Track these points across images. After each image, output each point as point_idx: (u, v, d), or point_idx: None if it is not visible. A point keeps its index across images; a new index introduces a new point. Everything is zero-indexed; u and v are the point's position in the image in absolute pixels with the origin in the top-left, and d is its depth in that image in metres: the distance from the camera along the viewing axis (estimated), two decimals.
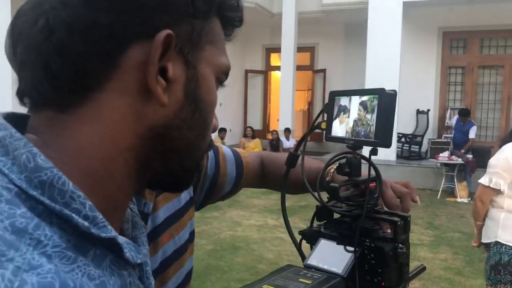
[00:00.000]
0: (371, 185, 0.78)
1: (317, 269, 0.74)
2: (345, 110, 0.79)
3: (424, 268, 0.82)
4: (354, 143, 0.76)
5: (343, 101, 0.80)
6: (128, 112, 0.45)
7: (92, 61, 0.43)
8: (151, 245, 0.80)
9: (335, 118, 0.82)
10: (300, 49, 11.52)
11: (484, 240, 2.76)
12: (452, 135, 9.48)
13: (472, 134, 8.72)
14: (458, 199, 7.95)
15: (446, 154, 8.54)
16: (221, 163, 1.03)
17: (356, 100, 0.77)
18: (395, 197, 0.84)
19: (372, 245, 0.75)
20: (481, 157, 8.64)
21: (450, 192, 8.37)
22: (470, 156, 8.55)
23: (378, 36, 9.14)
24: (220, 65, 0.53)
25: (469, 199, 8.02)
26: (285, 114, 11.04)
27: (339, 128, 0.80)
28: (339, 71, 12.21)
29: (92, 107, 0.44)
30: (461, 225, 6.41)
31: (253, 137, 10.77)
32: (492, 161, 2.68)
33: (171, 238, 0.85)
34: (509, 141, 2.70)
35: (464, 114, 8.95)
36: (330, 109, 0.82)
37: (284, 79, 11.02)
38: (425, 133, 10.61)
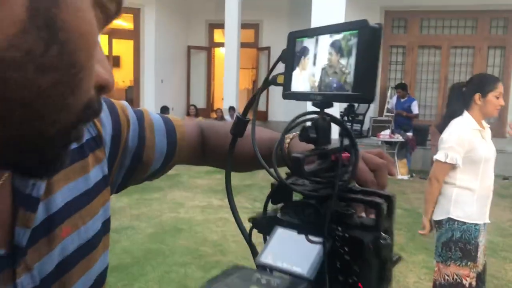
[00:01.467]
0: (343, 155, 0.59)
1: (274, 270, 0.54)
2: (309, 54, 0.59)
3: (400, 258, 0.65)
4: (323, 99, 0.56)
5: (307, 43, 0.60)
6: None
7: None
8: (44, 239, 0.59)
9: (296, 68, 0.61)
10: (244, 26, 11.24)
11: (435, 218, 2.71)
12: (393, 114, 9.65)
13: (415, 109, 8.92)
14: (399, 176, 8.12)
15: (387, 132, 8.67)
16: (147, 133, 0.81)
17: (325, 40, 0.57)
18: (368, 170, 0.66)
19: (346, 235, 0.56)
20: (420, 135, 8.89)
21: None
22: (410, 134, 8.75)
23: (322, 14, 9.04)
24: None
25: (409, 176, 8.23)
26: (230, 93, 10.79)
27: (302, 81, 0.60)
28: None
29: None
30: (402, 201, 6.52)
31: (197, 116, 10.46)
32: (444, 136, 2.62)
33: (75, 229, 0.63)
34: (443, 128, 2.68)
35: (401, 87, 9.09)
36: (290, 57, 0.62)
37: (228, 56, 10.73)
38: (366, 111, 10.76)
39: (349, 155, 0.61)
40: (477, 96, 2.55)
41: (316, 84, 0.58)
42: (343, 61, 0.54)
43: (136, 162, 0.80)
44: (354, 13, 10.38)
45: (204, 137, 0.88)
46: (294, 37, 0.62)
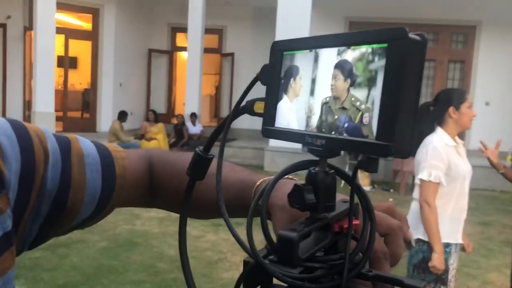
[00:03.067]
0: (354, 223, 0.41)
1: None
2: (302, 76, 0.41)
3: None
4: (326, 144, 0.37)
5: (301, 60, 0.41)
6: None
7: None
8: None
9: (284, 96, 0.43)
10: (208, 31, 11.03)
11: None
12: None
13: None
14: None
15: None
16: (74, 169, 0.60)
17: (330, 56, 0.38)
18: (380, 239, 0.46)
19: None
20: None
21: None
22: None
23: (287, 23, 8.97)
24: None
25: (371, 187, 8.22)
26: (192, 98, 10.52)
27: (293, 114, 0.42)
28: (248, 56, 11.93)
29: None
30: None
31: (156, 121, 10.11)
32: (421, 155, 2.49)
33: None
34: (415, 149, 2.57)
35: None
36: (274, 78, 0.43)
37: (190, 61, 10.47)
38: None
39: (358, 222, 0.42)
40: (451, 109, 2.46)
41: (315, 121, 0.39)
42: (360, 93, 0.35)
43: (59, 209, 0.59)
44: (319, 23, 10.38)
45: (153, 173, 0.68)
46: (280, 50, 0.43)
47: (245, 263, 0.43)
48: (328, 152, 0.38)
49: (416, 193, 2.54)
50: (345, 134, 0.36)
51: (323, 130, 0.38)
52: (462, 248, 2.61)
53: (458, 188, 2.44)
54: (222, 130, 0.49)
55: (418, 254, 2.47)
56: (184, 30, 11.07)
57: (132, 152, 0.68)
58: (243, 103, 0.48)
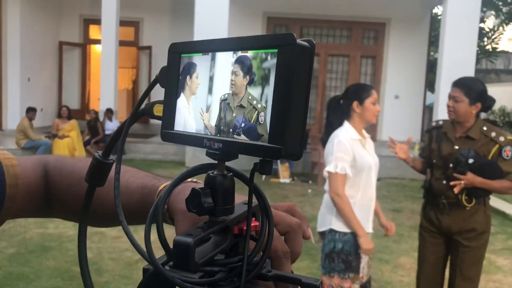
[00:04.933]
0: (253, 225, 0.41)
1: None
2: (199, 74, 0.40)
3: None
4: (223, 148, 0.37)
5: (199, 61, 0.41)
6: None
7: None
8: None
9: (181, 94, 0.42)
10: (123, 23, 10.63)
11: (319, 229, 2.67)
12: None
13: None
14: (281, 180, 8.29)
15: None
16: None
17: (227, 58, 0.38)
18: (278, 235, 0.47)
19: None
20: None
21: (274, 173, 8.70)
22: None
23: (206, 16, 8.90)
24: None
25: (291, 179, 8.44)
26: (107, 93, 10.11)
27: (191, 115, 0.41)
28: (166, 49, 11.54)
29: None
30: None
31: (70, 118, 9.60)
32: (329, 148, 2.58)
33: None
34: (325, 141, 2.66)
35: None
36: (172, 80, 0.42)
37: (105, 54, 10.04)
38: None
39: (258, 224, 0.43)
40: (355, 104, 2.56)
41: (213, 121, 0.39)
42: (255, 92, 0.35)
43: None
44: (237, 16, 10.43)
45: (49, 181, 0.64)
46: (178, 52, 0.42)
47: (145, 270, 0.41)
48: (226, 156, 0.38)
49: (327, 185, 2.63)
50: (242, 135, 0.36)
51: (222, 128, 0.38)
52: (385, 234, 2.76)
53: (364, 179, 2.56)
54: (121, 134, 0.47)
55: (330, 244, 2.56)
56: (97, 22, 10.58)
57: (25, 159, 0.63)
58: (143, 105, 0.47)
